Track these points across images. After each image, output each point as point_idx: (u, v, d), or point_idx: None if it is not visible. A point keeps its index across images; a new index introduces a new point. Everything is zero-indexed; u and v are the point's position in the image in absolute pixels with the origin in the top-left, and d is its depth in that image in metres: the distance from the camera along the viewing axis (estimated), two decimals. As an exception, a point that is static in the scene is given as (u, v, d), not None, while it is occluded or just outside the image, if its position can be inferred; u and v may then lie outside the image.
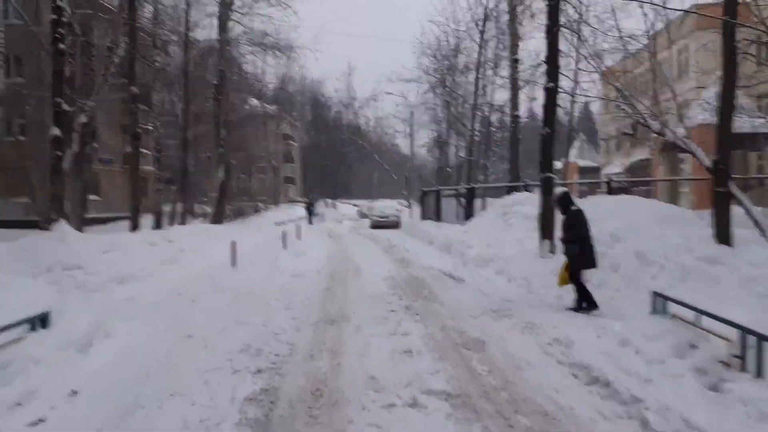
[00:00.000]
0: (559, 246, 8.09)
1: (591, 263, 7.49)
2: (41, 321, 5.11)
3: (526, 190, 15.89)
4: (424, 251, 15.64)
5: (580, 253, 7.43)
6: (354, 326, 6.78)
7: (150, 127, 25.24)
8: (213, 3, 23.76)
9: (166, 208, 26.95)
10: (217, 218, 24.28)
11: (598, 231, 9.41)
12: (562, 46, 18.14)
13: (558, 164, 52.24)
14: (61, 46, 10.05)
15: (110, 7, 20.45)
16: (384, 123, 44.87)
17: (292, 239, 16.44)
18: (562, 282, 7.69)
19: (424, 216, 25.47)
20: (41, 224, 18.73)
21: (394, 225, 30.93)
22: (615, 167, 41.35)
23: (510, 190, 17.48)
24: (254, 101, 33.53)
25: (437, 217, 21.80)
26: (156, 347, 5.90)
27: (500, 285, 9.03)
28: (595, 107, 53.29)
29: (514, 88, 18.77)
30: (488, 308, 7.58)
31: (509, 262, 9.64)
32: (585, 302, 7.37)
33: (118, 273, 9.83)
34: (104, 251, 10.30)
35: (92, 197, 31.51)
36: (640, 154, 42.09)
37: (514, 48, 18.72)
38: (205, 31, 24.94)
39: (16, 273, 8.41)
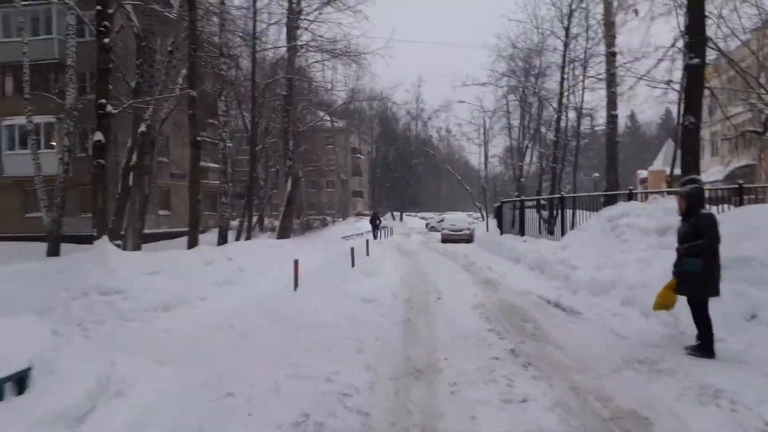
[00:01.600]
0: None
1: (716, 289, 5.55)
2: (18, 383, 3.62)
3: (631, 199, 13.54)
4: (512, 271, 13.59)
5: (704, 272, 5.48)
6: (448, 383, 4.94)
7: (215, 140, 24.66)
8: (281, 10, 22.84)
9: (235, 222, 26.32)
10: (284, 233, 23.15)
11: (753, 249, 7.20)
12: (667, 31, 15.64)
13: (644, 173, 48.18)
14: (106, 40, 8.94)
15: (170, 15, 19.84)
16: (456, 131, 42.81)
17: (360, 256, 14.81)
18: (660, 306, 5.92)
19: (503, 230, 23.27)
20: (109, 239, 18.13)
21: (467, 239, 28.85)
22: (711, 175, 37.15)
23: (608, 199, 15.15)
24: (321, 113, 32.51)
25: (520, 231, 19.59)
26: (182, 415, 4.29)
27: (635, 322, 6.91)
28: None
29: (611, 84, 16.42)
30: (631, 357, 5.53)
31: (639, 290, 7.50)
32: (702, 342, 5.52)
33: (164, 298, 8.46)
34: (150, 272, 9.00)
35: (163, 212, 31.50)
36: (740, 159, 37.90)
37: (609, 40, 16.44)
38: (274, 39, 24.13)
39: (43, 301, 7.24)
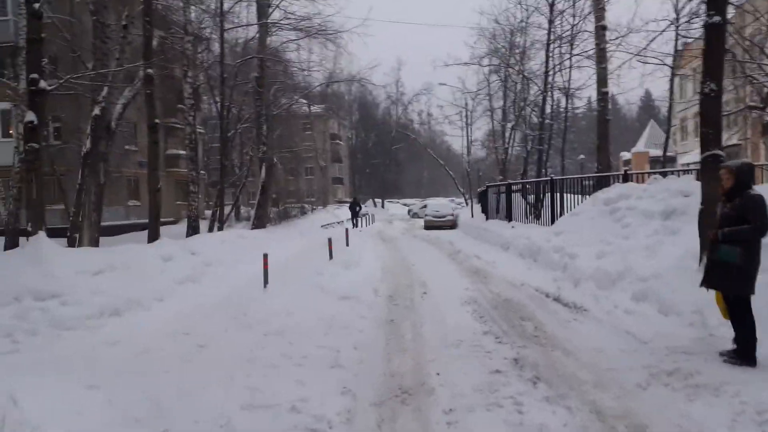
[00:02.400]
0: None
1: (752, 285, 4.66)
2: None
3: (627, 181, 12.75)
4: (501, 259, 12.71)
5: (743, 264, 4.60)
6: (443, 410, 3.98)
7: (184, 126, 23.31)
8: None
9: (209, 212, 25.09)
10: (259, 222, 22.03)
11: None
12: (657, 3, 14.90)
13: (626, 155, 47.76)
14: (36, 5, 7.71)
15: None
16: (438, 114, 41.44)
17: (339, 246, 13.81)
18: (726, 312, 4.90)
19: (488, 215, 22.42)
20: (70, 232, 16.83)
21: (451, 225, 28.09)
22: (692, 156, 36.50)
23: (599, 182, 14.36)
24: (296, 97, 31.13)
25: (507, 216, 18.73)
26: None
27: (653, 321, 5.98)
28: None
29: (601, 60, 15.51)
30: (657, 367, 4.63)
31: (652, 282, 6.61)
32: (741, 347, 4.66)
33: (112, 301, 7.39)
34: (97, 272, 7.90)
35: (132, 203, 30.13)
36: (730, 139, 37.40)
37: (599, 13, 15.51)
38: (244, 18, 22.74)
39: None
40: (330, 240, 11.51)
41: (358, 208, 29.76)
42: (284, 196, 39.18)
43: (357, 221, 29.04)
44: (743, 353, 4.63)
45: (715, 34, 6.28)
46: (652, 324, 5.82)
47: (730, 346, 4.81)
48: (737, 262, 4.62)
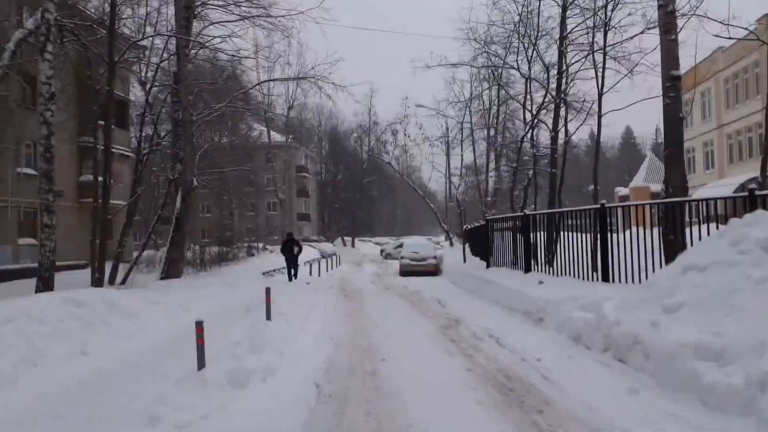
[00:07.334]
0: None
1: None
2: None
3: (755, 206, 7.08)
4: (542, 346, 6.89)
5: None
6: None
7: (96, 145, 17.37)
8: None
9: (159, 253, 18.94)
10: (172, 269, 15.81)
11: None
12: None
13: (623, 191, 42.85)
14: None
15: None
16: (417, 135, 35.38)
17: (254, 320, 7.78)
18: None
19: (489, 261, 16.31)
20: None
21: (434, 271, 22.21)
22: (708, 189, 31.12)
23: (668, 212, 8.85)
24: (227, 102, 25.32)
25: (523, 263, 12.79)
26: None
27: None
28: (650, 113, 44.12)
29: (669, 30, 10.10)
30: None
31: None
32: None
33: None
34: None
35: (25, 241, 23.54)
36: (738, 172, 32.47)
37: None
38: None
39: None
40: (199, 325, 5.23)
41: (297, 249, 18.47)
42: (240, 235, 33.09)
43: (295, 270, 18.51)
44: None
45: None
46: None
47: None
48: None
